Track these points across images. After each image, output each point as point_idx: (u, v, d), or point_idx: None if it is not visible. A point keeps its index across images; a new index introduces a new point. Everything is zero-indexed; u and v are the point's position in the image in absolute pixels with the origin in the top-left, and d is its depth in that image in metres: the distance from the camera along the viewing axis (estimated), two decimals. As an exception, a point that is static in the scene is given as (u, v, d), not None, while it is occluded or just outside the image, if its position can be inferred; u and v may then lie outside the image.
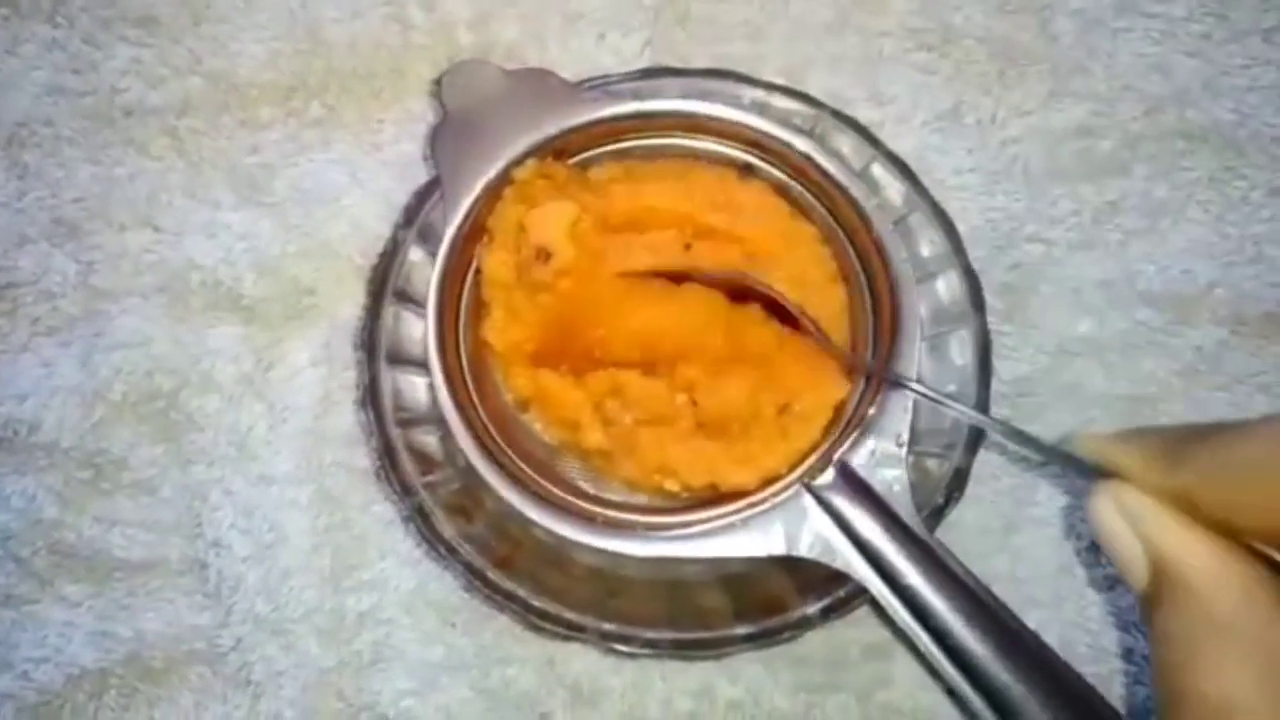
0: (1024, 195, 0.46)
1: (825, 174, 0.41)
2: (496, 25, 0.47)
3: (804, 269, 0.41)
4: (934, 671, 0.42)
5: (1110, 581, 0.44)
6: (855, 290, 0.42)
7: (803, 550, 0.38)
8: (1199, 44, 0.48)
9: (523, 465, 0.39)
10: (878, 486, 0.38)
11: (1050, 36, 0.48)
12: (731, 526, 0.38)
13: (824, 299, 0.42)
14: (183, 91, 0.46)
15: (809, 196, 0.42)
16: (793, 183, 0.43)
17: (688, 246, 0.42)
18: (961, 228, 0.44)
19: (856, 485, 0.38)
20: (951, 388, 0.40)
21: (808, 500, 0.38)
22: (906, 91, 0.47)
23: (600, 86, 0.43)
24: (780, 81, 0.45)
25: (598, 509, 0.39)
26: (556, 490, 0.39)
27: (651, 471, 0.40)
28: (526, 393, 0.41)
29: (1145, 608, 0.27)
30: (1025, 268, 0.46)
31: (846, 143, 0.43)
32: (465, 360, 0.41)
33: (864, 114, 0.45)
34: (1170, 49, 0.48)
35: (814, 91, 0.45)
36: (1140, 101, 0.47)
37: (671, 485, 0.40)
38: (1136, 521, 0.26)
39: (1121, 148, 0.47)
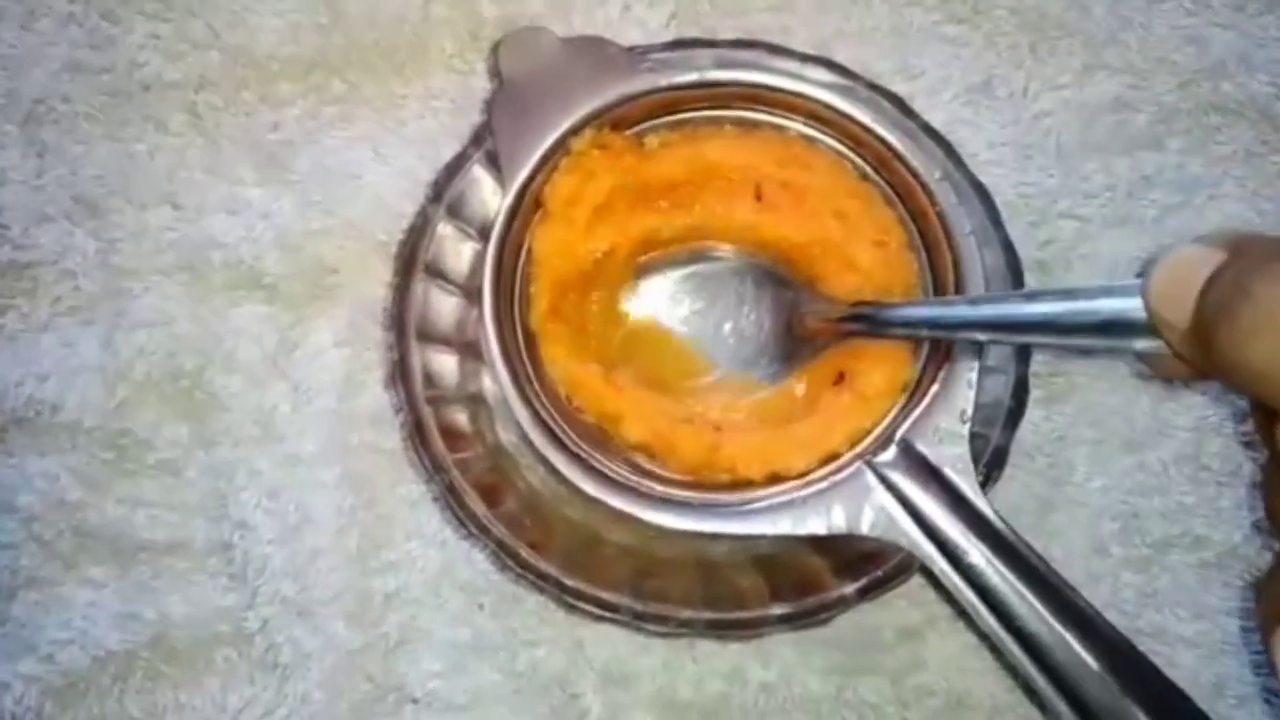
0: (1057, 170, 0.46)
1: (889, 147, 0.40)
2: (520, -3, 0.46)
3: (884, 231, 0.41)
4: (980, 651, 0.42)
5: (1144, 563, 0.43)
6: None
7: (864, 528, 0.37)
8: (1234, 16, 0.47)
9: (579, 441, 0.39)
10: (941, 463, 0.38)
11: (1083, 8, 0.47)
12: (792, 504, 0.38)
13: (902, 261, 0.41)
14: (201, 67, 0.45)
15: (868, 169, 0.42)
16: (853, 154, 0.42)
17: (759, 197, 0.41)
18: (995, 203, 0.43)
19: (919, 462, 0.38)
20: (991, 362, 0.40)
21: (870, 477, 0.38)
22: (937, 64, 0.46)
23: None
24: (812, 52, 0.44)
25: (656, 485, 0.38)
26: (613, 466, 0.39)
27: (698, 467, 0.39)
28: (564, 385, 0.40)
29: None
30: (1059, 243, 0.45)
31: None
32: (520, 331, 0.40)
33: (894, 88, 0.44)
34: (1205, 21, 0.47)
35: (843, 64, 0.44)
36: (1174, 75, 0.46)
37: (725, 479, 0.39)
38: None
39: (1156, 122, 0.46)
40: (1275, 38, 0.47)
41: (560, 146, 0.40)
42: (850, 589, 0.39)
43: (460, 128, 0.44)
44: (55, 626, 0.42)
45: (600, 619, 0.40)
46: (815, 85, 0.41)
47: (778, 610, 0.39)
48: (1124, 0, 0.47)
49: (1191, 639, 0.43)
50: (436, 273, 0.41)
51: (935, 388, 0.38)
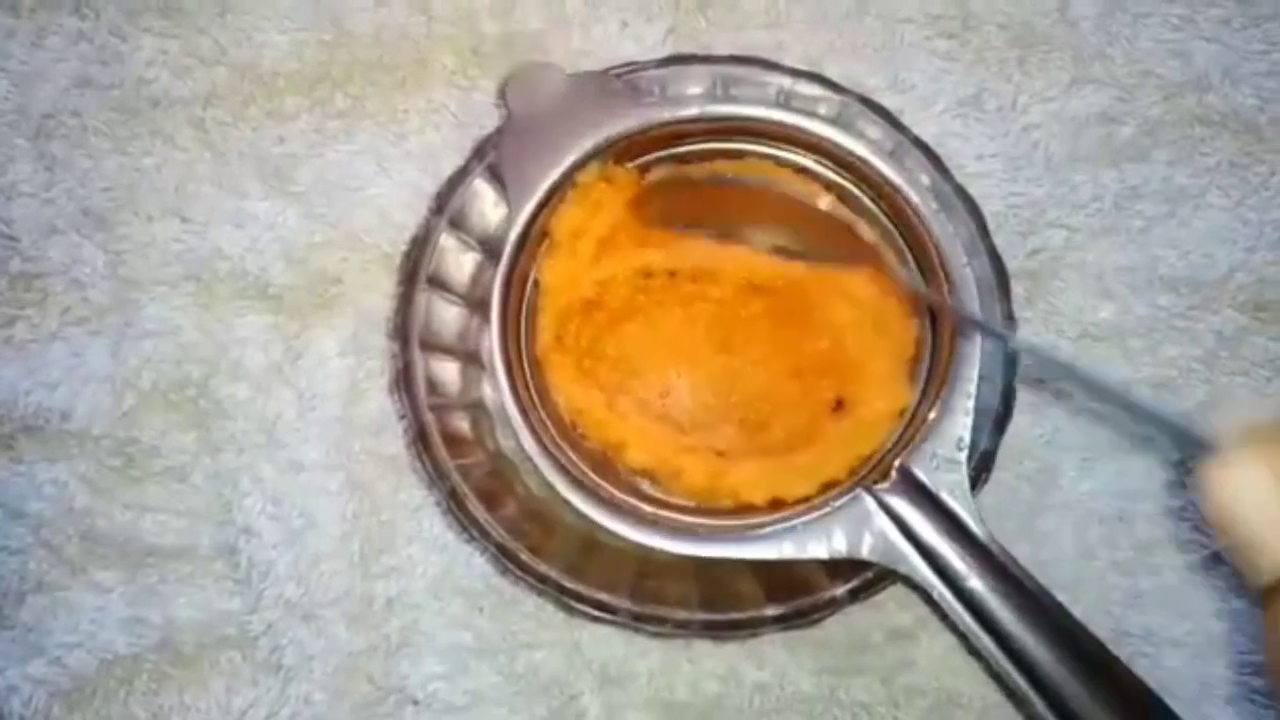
0: (1045, 181, 0.47)
1: (883, 177, 0.41)
2: (519, 14, 0.47)
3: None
4: (964, 658, 0.43)
5: (1131, 565, 0.44)
6: None
7: (864, 553, 0.38)
8: (1218, 30, 0.48)
9: (581, 465, 0.40)
10: (939, 490, 0.38)
11: (1070, 23, 0.48)
12: (794, 529, 0.39)
13: (897, 284, 0.42)
14: (208, 82, 0.46)
15: (864, 198, 0.43)
16: (849, 184, 0.43)
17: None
18: (984, 214, 0.44)
19: (918, 490, 0.38)
20: (980, 371, 0.41)
21: (869, 503, 0.38)
22: (927, 78, 0.47)
23: (627, 74, 0.43)
24: (804, 68, 0.45)
25: (659, 511, 0.39)
26: (616, 491, 0.40)
27: (702, 493, 0.40)
28: (569, 413, 0.41)
29: (1266, 594, 0.25)
30: (1047, 253, 0.46)
31: (872, 129, 0.43)
32: (526, 359, 0.41)
33: (885, 101, 0.45)
34: (1190, 35, 0.48)
35: (835, 79, 0.45)
36: (1160, 88, 0.47)
37: (728, 503, 0.40)
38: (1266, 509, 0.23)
39: (1142, 134, 0.47)
40: (1259, 51, 0.48)
41: (567, 179, 0.41)
42: (842, 590, 0.40)
43: (461, 141, 0.45)
44: (63, 630, 0.43)
45: (599, 620, 0.41)
46: (810, 119, 0.42)
47: (772, 611, 0.40)
48: (1110, 15, 0.48)
49: (1178, 640, 0.44)
50: (439, 283, 0.42)
51: (933, 416, 0.39)
